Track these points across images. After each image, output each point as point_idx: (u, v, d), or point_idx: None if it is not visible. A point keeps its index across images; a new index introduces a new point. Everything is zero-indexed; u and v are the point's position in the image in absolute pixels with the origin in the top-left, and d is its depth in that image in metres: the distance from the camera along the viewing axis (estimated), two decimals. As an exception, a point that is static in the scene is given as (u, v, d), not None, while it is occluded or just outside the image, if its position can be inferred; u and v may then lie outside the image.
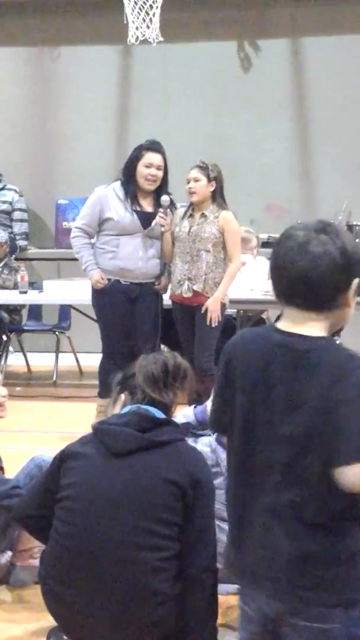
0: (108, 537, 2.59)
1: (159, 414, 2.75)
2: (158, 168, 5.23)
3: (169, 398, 2.80)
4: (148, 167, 5.22)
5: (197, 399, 5.41)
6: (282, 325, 2.07)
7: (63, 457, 2.77)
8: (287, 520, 2.00)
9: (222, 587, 3.28)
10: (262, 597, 2.07)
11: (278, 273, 2.06)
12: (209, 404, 3.41)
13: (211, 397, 3.14)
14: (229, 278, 5.33)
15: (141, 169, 5.22)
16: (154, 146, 5.27)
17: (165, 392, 2.80)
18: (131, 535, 2.58)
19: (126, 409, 2.79)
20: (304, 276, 2.01)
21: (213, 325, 5.27)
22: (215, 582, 2.71)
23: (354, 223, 8.11)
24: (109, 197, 5.27)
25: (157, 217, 5.27)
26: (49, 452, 3.36)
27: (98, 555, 2.59)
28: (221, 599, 3.22)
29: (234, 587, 3.28)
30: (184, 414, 3.65)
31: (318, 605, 1.99)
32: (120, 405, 2.87)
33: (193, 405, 3.62)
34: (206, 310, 5.30)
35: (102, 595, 2.59)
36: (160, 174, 5.24)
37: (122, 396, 2.88)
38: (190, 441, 3.42)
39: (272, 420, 2.02)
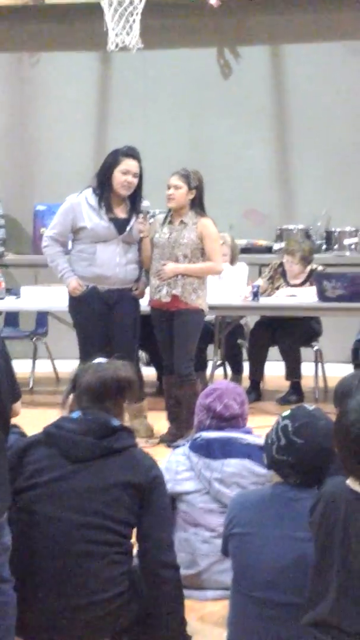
0: (67, 532, 2.70)
1: (115, 421, 2.84)
2: (134, 175, 5.21)
3: (110, 408, 2.87)
4: (125, 174, 5.19)
5: (175, 404, 5.42)
6: None
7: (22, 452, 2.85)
8: None
9: (200, 593, 3.30)
10: None
11: None
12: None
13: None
14: (201, 265, 5.29)
15: (117, 175, 5.20)
16: (132, 152, 5.25)
17: (105, 403, 2.87)
18: (90, 531, 2.69)
19: (77, 414, 2.86)
20: None
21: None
22: (176, 577, 2.79)
23: (333, 229, 8.14)
24: (81, 206, 5.24)
25: (136, 223, 5.25)
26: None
27: (60, 547, 2.69)
28: (198, 604, 3.24)
29: (212, 594, 3.29)
30: None
31: None
32: (69, 408, 2.95)
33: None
34: (185, 316, 5.28)
35: (63, 586, 2.68)
36: (135, 181, 5.22)
37: (70, 398, 2.97)
38: (169, 452, 3.65)
39: None
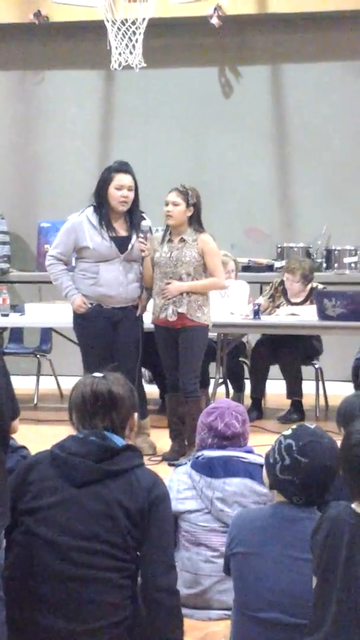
0: (67, 558, 2.66)
1: (119, 441, 2.78)
2: (129, 189, 5.23)
3: (101, 424, 2.79)
4: (119, 189, 5.22)
5: (177, 422, 5.45)
6: None
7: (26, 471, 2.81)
8: None
9: (203, 613, 3.31)
10: None
11: None
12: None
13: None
14: (205, 281, 5.32)
15: (113, 192, 5.23)
16: (123, 167, 5.27)
17: (94, 420, 2.79)
18: (90, 557, 2.65)
19: (81, 434, 2.80)
20: None
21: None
22: (172, 602, 2.72)
23: (333, 248, 8.19)
24: (83, 225, 5.26)
25: (137, 243, 5.28)
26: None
27: (61, 571, 2.66)
28: (201, 624, 3.25)
29: (215, 613, 3.31)
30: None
31: None
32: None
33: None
34: (191, 332, 5.31)
35: (65, 610, 2.65)
36: (131, 195, 5.25)
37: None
38: (170, 471, 3.57)
39: None
